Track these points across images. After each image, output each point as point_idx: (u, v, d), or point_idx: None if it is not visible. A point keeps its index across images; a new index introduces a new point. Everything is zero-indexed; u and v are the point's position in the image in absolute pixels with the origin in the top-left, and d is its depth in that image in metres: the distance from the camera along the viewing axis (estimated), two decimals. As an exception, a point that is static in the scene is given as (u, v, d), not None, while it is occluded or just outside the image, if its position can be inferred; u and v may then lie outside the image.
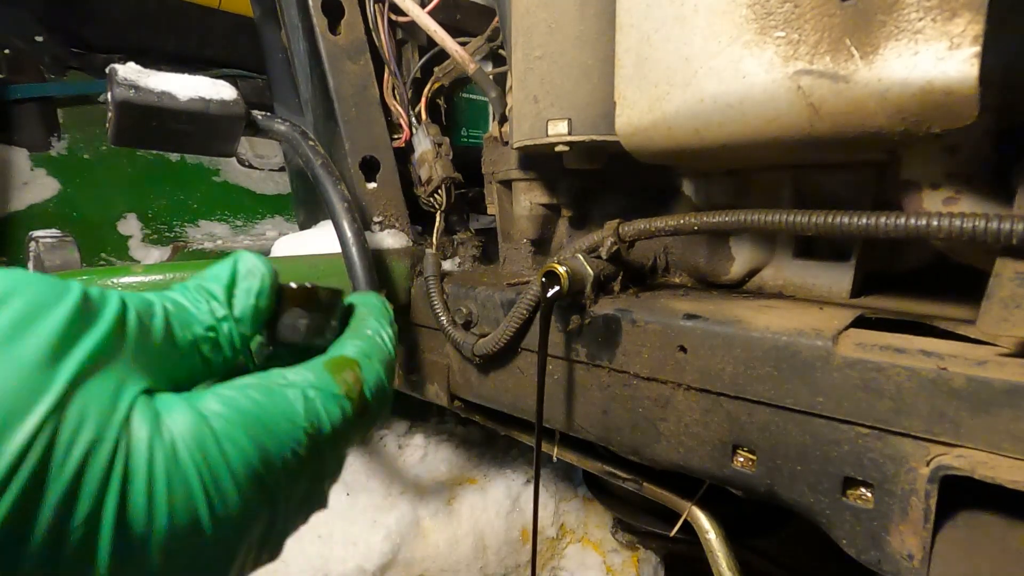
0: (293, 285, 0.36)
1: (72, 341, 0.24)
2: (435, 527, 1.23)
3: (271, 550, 0.32)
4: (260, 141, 2.29)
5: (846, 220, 0.51)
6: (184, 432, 0.26)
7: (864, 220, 0.50)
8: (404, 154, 1.08)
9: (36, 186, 1.87)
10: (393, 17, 1.04)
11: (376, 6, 1.03)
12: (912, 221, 0.47)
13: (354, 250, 0.77)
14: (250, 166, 2.30)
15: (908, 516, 0.49)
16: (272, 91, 1.28)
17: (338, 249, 0.79)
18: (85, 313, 0.25)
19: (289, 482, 0.30)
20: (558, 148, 0.75)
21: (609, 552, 1.37)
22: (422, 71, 1.10)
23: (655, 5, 0.60)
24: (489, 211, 1.02)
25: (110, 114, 0.72)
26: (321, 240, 0.96)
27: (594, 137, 0.73)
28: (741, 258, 0.77)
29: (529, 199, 0.92)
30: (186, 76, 0.76)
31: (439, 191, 1.02)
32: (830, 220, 0.52)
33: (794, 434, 0.55)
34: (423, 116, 1.08)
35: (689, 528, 0.82)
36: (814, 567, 1.20)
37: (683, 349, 0.61)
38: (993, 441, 0.44)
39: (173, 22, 2.07)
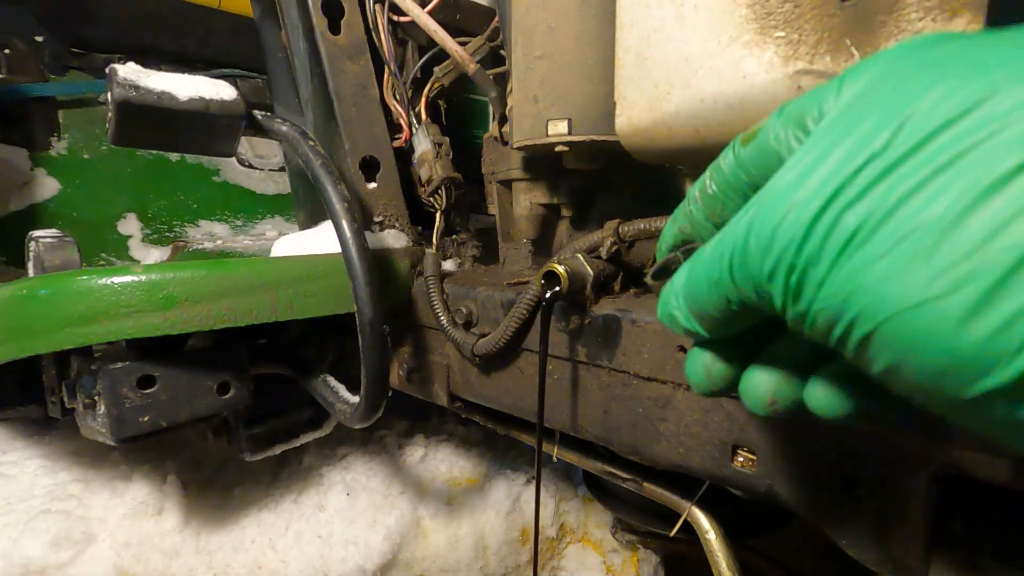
0: None
1: None
2: (435, 527, 1.23)
3: None
4: (260, 141, 2.29)
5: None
6: None
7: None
8: (404, 154, 1.08)
9: (36, 186, 1.87)
10: (393, 17, 1.04)
11: (376, 6, 1.03)
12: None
13: (354, 250, 0.77)
14: (250, 166, 2.30)
15: (908, 516, 0.49)
16: (272, 91, 1.28)
17: (338, 249, 0.79)
18: None
19: None
20: (558, 148, 0.75)
21: (609, 552, 1.37)
22: (422, 71, 1.10)
23: (655, 5, 0.60)
24: (489, 211, 1.02)
25: (110, 114, 0.72)
26: (321, 240, 0.96)
27: (594, 137, 0.73)
28: (741, 258, 0.77)
29: (529, 199, 0.92)
30: (186, 76, 0.76)
31: (439, 191, 1.02)
32: (830, 220, 0.52)
33: (794, 434, 0.55)
34: (423, 116, 1.08)
35: (689, 528, 0.82)
36: (814, 567, 1.20)
37: (683, 349, 0.61)
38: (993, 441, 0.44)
39: (173, 22, 2.07)
